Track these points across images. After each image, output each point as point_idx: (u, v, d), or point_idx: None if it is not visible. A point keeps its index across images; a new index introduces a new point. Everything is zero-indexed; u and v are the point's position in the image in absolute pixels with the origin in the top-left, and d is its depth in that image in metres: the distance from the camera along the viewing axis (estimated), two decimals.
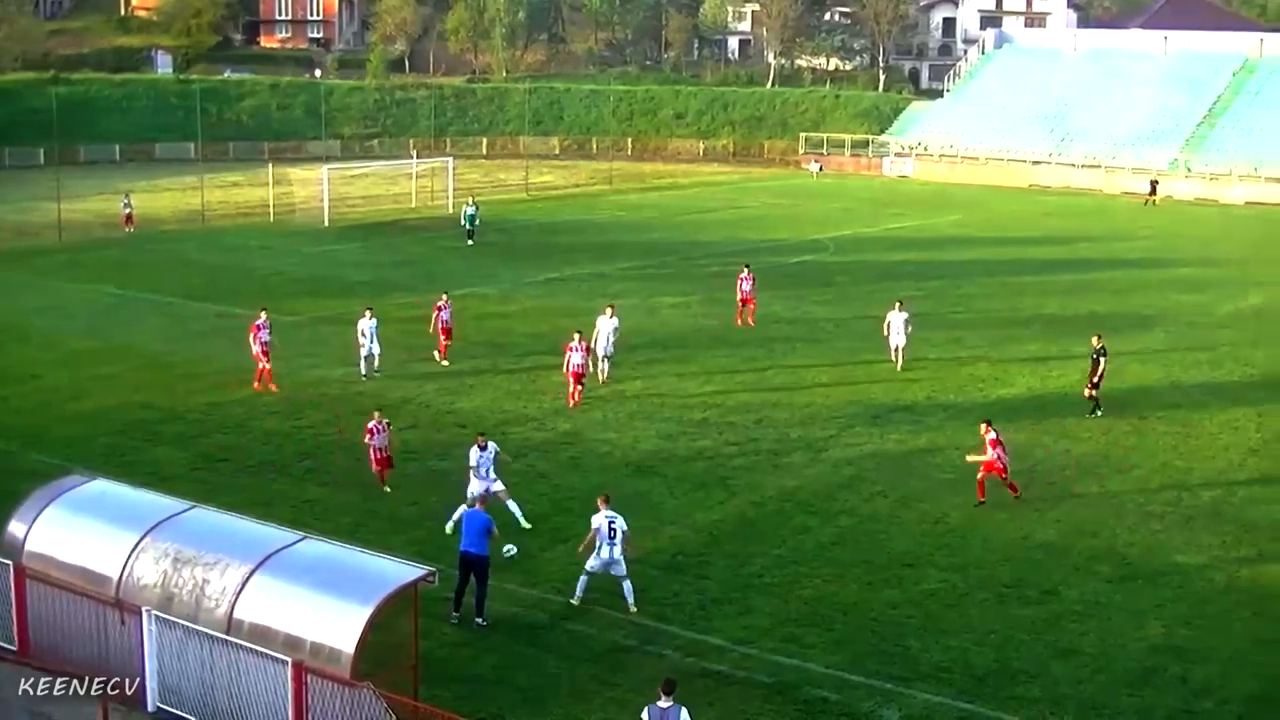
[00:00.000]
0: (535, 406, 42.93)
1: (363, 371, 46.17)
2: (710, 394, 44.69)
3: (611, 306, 47.48)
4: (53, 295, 61.39)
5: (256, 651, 21.88)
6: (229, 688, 22.28)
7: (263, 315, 44.69)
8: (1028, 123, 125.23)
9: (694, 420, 41.63)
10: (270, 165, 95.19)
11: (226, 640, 22.33)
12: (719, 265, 68.17)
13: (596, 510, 28.24)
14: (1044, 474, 36.85)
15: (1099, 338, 43.35)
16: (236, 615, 22.75)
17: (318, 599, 22.67)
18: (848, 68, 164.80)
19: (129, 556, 24.22)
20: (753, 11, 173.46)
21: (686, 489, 35.47)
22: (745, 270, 55.81)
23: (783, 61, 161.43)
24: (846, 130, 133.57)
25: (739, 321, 55.12)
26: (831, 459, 38.12)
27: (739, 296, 55.20)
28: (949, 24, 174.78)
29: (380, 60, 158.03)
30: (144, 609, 23.06)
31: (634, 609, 27.75)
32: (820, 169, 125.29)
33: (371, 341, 46.05)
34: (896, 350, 47.79)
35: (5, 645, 24.78)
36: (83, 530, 25.41)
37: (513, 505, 32.41)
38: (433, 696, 22.77)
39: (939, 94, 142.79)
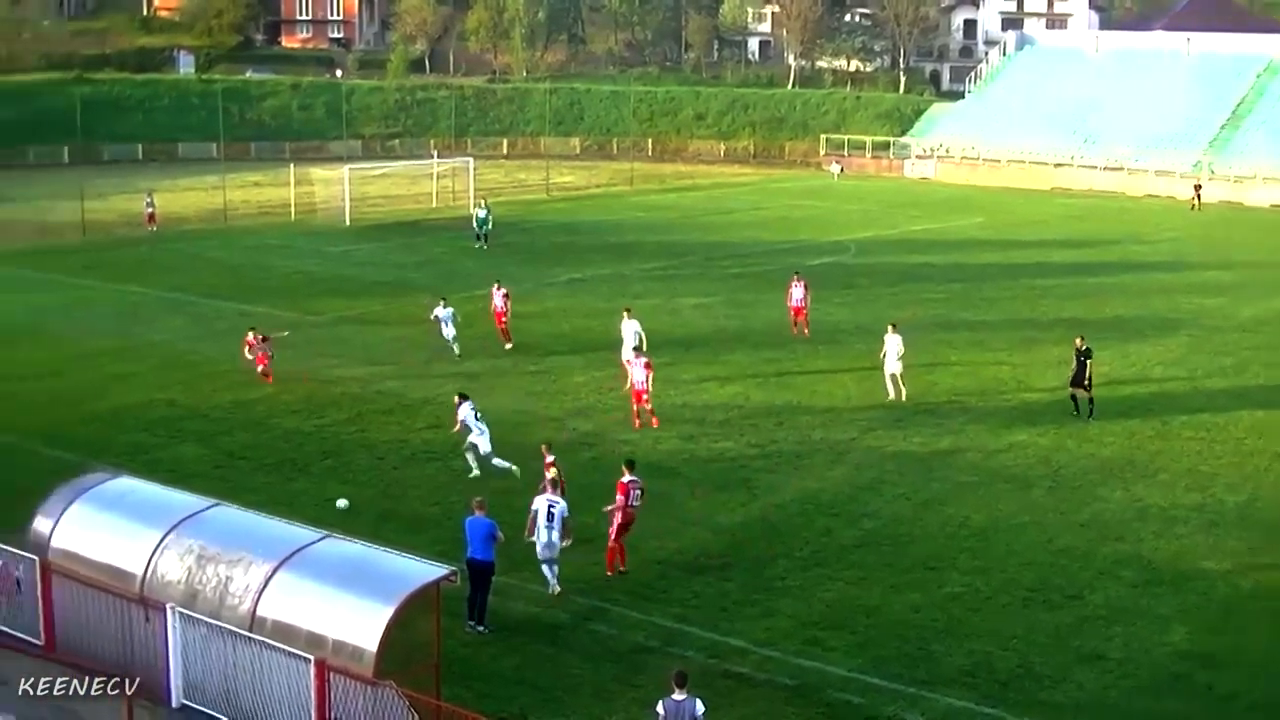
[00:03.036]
0: (556, 407, 42.93)
1: (457, 352, 48.14)
2: (732, 395, 44.64)
3: (628, 309, 47.42)
4: (75, 294, 61.53)
5: (279, 649, 21.89)
6: (252, 685, 22.32)
7: (250, 335, 45.33)
8: (1049, 125, 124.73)
9: (716, 421, 41.57)
10: (291, 165, 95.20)
11: (250, 637, 22.35)
12: (740, 267, 68.21)
13: (540, 491, 28.60)
14: (1068, 478, 36.73)
15: (1082, 339, 43.08)
16: (259, 613, 22.77)
17: (340, 597, 22.68)
18: (868, 69, 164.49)
19: (153, 553, 24.26)
20: (773, 13, 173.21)
21: (708, 490, 35.41)
22: (796, 277, 54.53)
23: (803, 63, 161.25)
24: (867, 132, 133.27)
25: (795, 331, 53.57)
26: (854, 461, 38.04)
27: (790, 305, 54.01)
28: (970, 26, 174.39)
29: (401, 60, 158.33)
30: (168, 605, 23.10)
31: (554, 591, 28.32)
32: (841, 170, 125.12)
33: (448, 326, 48.46)
34: (894, 379, 44.19)
35: (32, 640, 24.83)
36: (107, 527, 25.47)
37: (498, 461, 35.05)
38: (454, 695, 22.76)
39: (960, 96, 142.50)
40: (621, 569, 29.66)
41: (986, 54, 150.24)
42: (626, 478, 29.80)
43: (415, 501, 34.12)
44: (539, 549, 28.14)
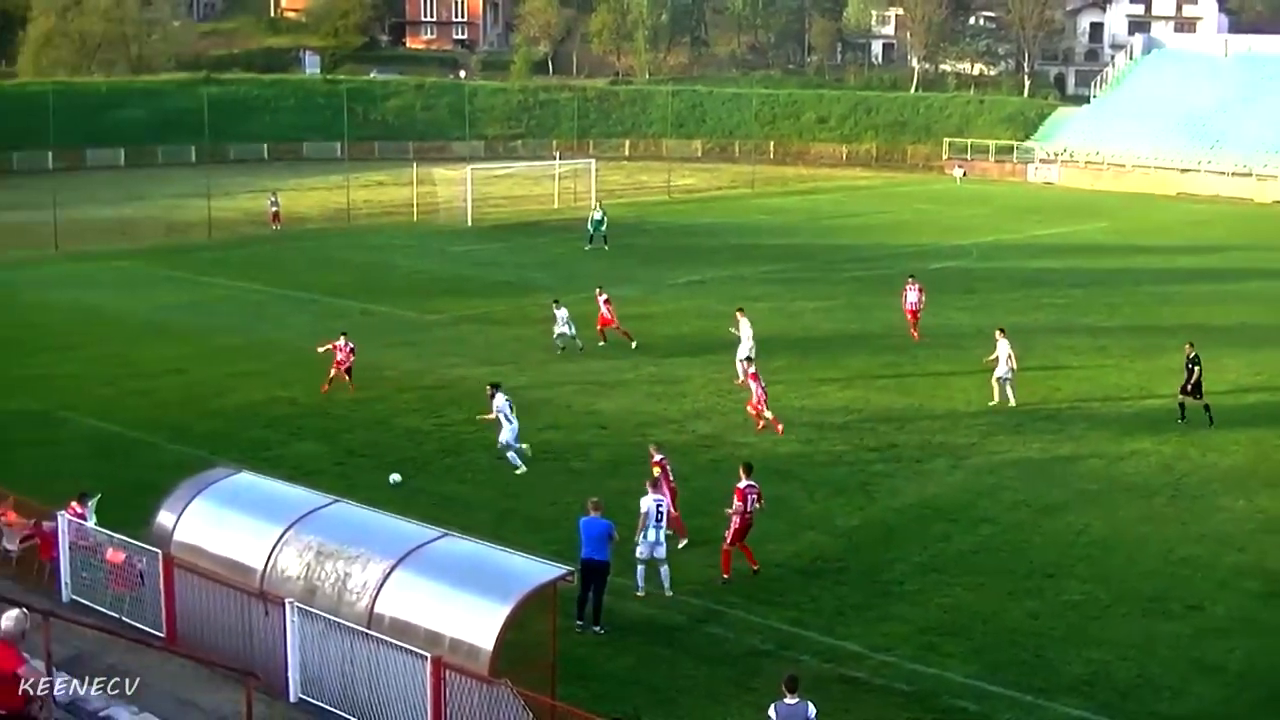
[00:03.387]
0: (675, 409, 42.93)
1: (561, 345, 49.49)
2: (851, 399, 44.44)
3: (741, 309, 47.51)
4: (200, 291, 62.44)
5: (396, 646, 22.03)
6: (368, 681, 22.47)
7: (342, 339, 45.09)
8: (1176, 129, 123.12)
9: (834, 425, 41.41)
10: (414, 165, 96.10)
11: (367, 634, 22.52)
12: (861, 270, 67.92)
13: (645, 494, 28.79)
14: (1190, 487, 36.18)
15: (1191, 345, 42.54)
16: (377, 609, 22.91)
17: (457, 596, 22.78)
18: (992, 73, 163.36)
19: (273, 549, 24.49)
20: (896, 15, 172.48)
21: (826, 494, 35.27)
22: (911, 280, 54.50)
23: (926, 66, 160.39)
24: (990, 136, 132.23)
25: (915, 335, 53.32)
26: (973, 466, 37.72)
27: (905, 309, 53.87)
28: (1096, 29, 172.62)
29: (524, 62, 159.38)
30: (287, 601, 23.32)
31: (669, 593, 28.31)
32: (964, 174, 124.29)
33: (565, 325, 49.41)
34: (999, 384, 43.68)
35: (154, 632, 25.18)
36: (229, 522, 25.75)
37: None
38: (569, 695, 22.79)
39: (1085, 100, 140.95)
40: (754, 567, 29.58)
41: (1113, 57, 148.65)
42: (744, 482, 29.72)
43: (533, 501, 34.24)
44: (640, 549, 28.23)
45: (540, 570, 23.46)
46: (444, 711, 21.40)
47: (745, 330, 46.17)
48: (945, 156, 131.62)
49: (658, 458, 31.72)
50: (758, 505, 29.64)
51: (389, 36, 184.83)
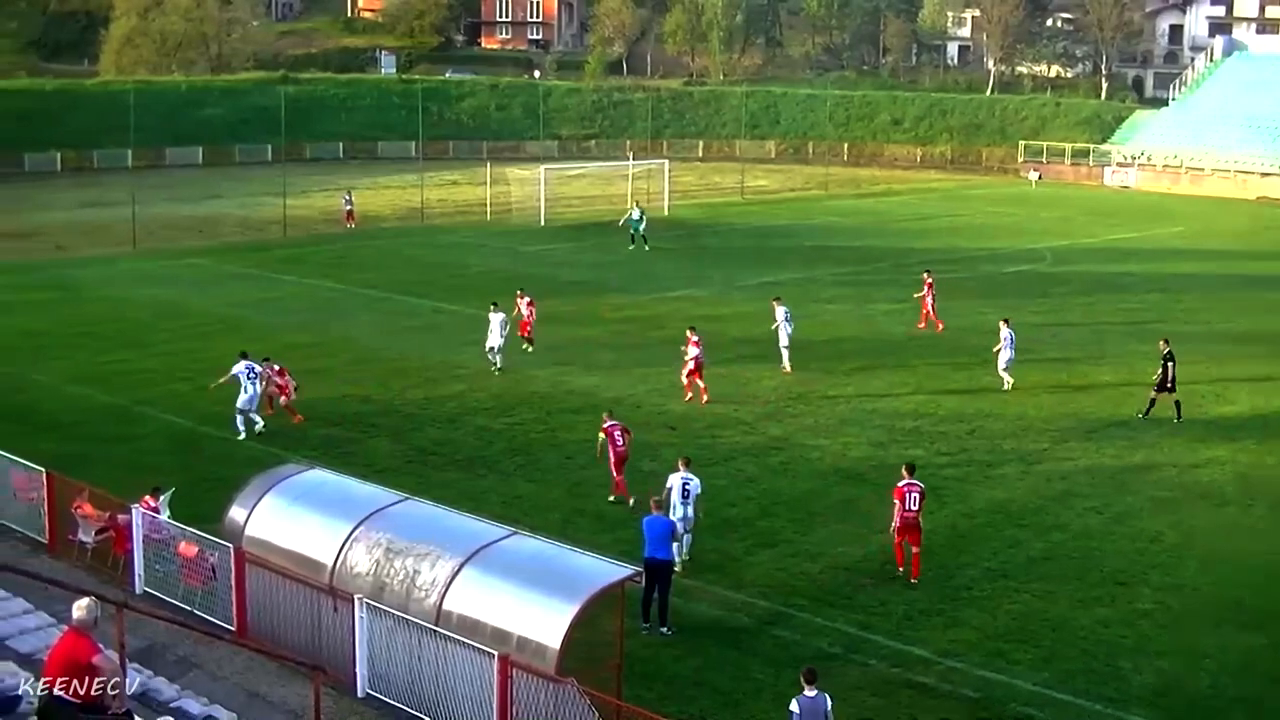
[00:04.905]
0: (746, 410, 42.84)
1: (498, 365, 47.36)
2: (922, 402, 44.25)
3: (777, 299, 49.32)
4: (274, 289, 62.90)
5: (464, 643, 22.11)
6: (436, 677, 22.57)
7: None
8: (1257, 133, 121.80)
9: (905, 429, 41.24)
10: (488, 164, 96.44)
11: (435, 631, 22.61)
12: (935, 273, 67.49)
13: (675, 470, 29.95)
14: (1265, 496, 35.80)
15: (1166, 341, 43.24)
16: (445, 607, 23.01)
17: (525, 594, 22.84)
18: (1069, 75, 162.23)
19: (343, 545, 24.66)
20: (973, 17, 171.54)
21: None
22: (926, 274, 56.42)
23: (1003, 68, 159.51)
24: (1067, 139, 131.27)
25: (923, 325, 55.48)
26: (1044, 472, 37.45)
27: (925, 302, 55.76)
28: (1176, 31, 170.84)
29: (598, 62, 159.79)
30: (356, 597, 23.46)
31: (679, 565, 28.64)
32: (1039, 177, 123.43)
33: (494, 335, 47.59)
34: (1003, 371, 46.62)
35: (225, 626, 25.39)
36: (300, 518, 25.95)
37: None
38: (635, 696, 22.84)
39: (1164, 103, 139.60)
40: (913, 579, 29.71)
41: (1193, 60, 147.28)
42: (904, 481, 30.10)
43: (601, 501, 34.25)
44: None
45: (608, 570, 23.51)
46: (510, 709, 21.47)
47: (780, 314, 47.87)
48: (1020, 159, 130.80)
49: (608, 424, 34.12)
50: (918, 505, 29.87)
51: (464, 37, 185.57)
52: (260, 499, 26.45)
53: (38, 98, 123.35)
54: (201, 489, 31.35)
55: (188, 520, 27.23)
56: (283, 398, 41.10)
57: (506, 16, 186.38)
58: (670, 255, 74.35)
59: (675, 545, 28.25)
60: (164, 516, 27.79)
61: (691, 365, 43.57)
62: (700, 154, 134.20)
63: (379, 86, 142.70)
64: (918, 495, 29.82)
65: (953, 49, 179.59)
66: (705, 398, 43.52)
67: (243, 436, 38.79)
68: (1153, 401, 42.62)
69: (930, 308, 55.50)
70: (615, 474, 34.11)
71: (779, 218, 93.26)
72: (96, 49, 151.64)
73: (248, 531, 26.03)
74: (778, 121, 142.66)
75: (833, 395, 44.73)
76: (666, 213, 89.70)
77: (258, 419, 39.39)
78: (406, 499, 26.41)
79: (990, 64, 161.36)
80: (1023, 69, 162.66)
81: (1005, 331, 46.07)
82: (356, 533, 24.76)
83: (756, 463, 37.53)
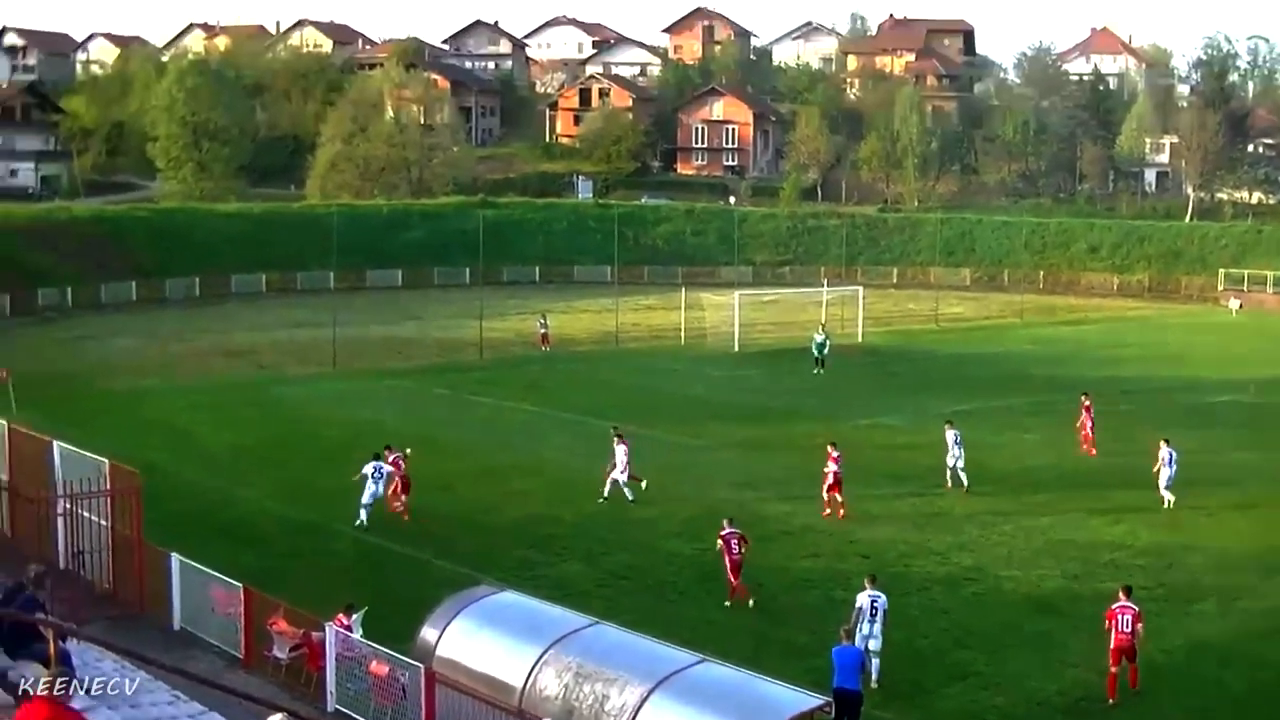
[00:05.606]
0: (938, 540, 42.32)
1: (363, 519, 44.52)
2: (1120, 534, 43.34)
3: (949, 421, 49.68)
4: (471, 410, 63.73)
5: None
6: None
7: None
8: None
9: (1101, 561, 40.40)
10: (683, 289, 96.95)
11: None
12: (1129, 403, 66.33)
13: (862, 589, 30.63)
14: None
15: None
16: None
17: None
18: (1272, 201, 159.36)
19: (533, 668, 24.74)
20: (1171, 143, 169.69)
21: (1091, 631, 34.20)
22: (1084, 397, 56.53)
23: (1202, 194, 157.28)
24: (1269, 266, 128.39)
25: (1085, 449, 55.18)
26: (1246, 609, 36.43)
27: (1085, 426, 55.55)
28: None
29: (793, 188, 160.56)
30: None
31: (875, 684, 29.01)
32: (1240, 306, 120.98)
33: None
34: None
35: None
36: (490, 639, 26.12)
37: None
38: None
39: None
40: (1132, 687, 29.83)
41: None
42: (1118, 603, 30.25)
43: (792, 629, 34.03)
44: (856, 641, 28.67)
45: (797, 699, 23.32)
46: None
47: (950, 438, 48.54)
48: (1221, 287, 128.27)
49: (726, 531, 36.08)
50: (1130, 627, 29.71)
51: (660, 162, 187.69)
52: (452, 620, 26.68)
53: (246, 221, 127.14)
54: (393, 608, 31.68)
55: (379, 639, 27.54)
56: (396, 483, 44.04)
57: (702, 143, 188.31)
58: (863, 382, 74.05)
59: (874, 665, 28.47)
60: (357, 635, 28.14)
61: (831, 480, 44.15)
62: (894, 280, 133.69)
63: (575, 211, 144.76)
64: (1131, 618, 29.58)
65: (1150, 175, 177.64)
66: (843, 513, 43.88)
67: (361, 524, 42.36)
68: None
69: (1089, 430, 55.43)
70: (732, 579, 35.67)
71: (973, 345, 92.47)
72: (303, 174, 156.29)
73: (439, 652, 26.25)
74: (973, 248, 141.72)
75: (1027, 525, 44.04)
76: (860, 339, 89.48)
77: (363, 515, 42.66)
78: (596, 623, 26.46)
79: (1189, 190, 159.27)
80: (1223, 195, 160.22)
81: (1165, 450, 46.68)
82: (546, 656, 24.84)
83: (949, 593, 37.05)
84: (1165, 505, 45.72)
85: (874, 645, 29.55)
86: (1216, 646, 33.54)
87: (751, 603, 35.00)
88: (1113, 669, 29.56)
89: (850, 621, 29.29)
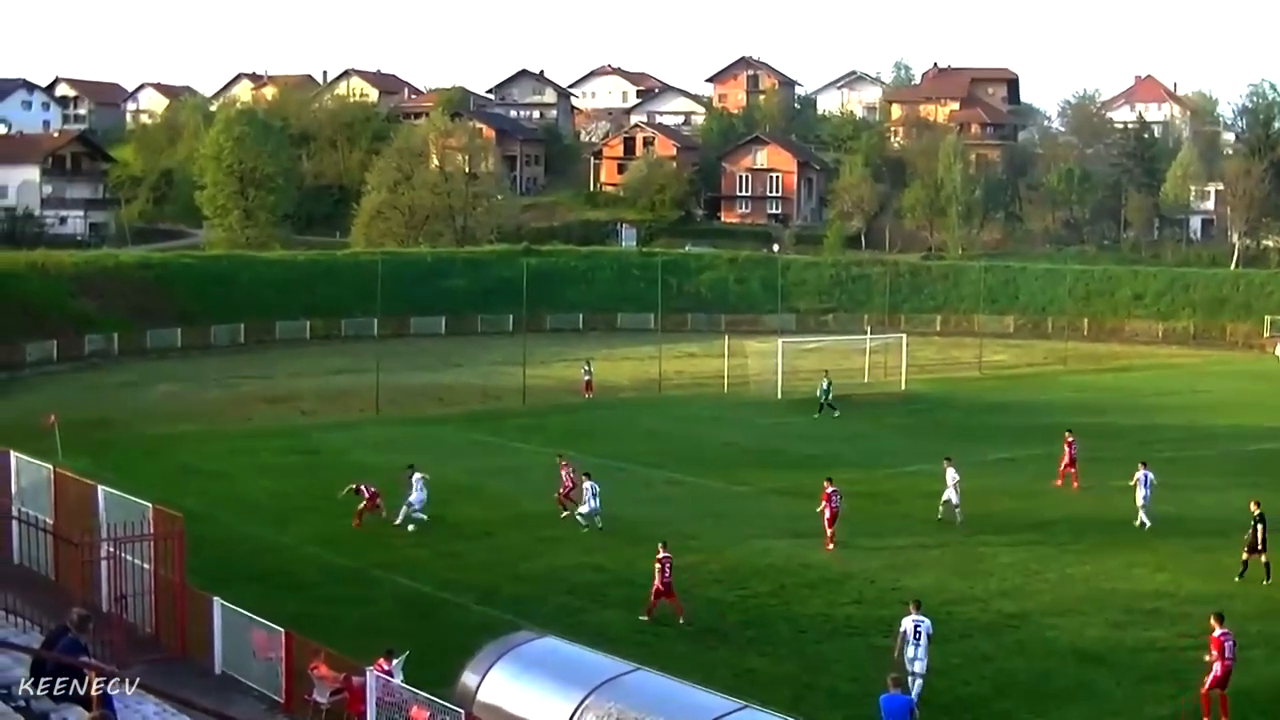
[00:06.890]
0: (980, 587, 42.17)
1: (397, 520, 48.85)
2: (1164, 582, 43.07)
3: (948, 459, 51.07)
4: (513, 457, 63.83)
5: None
6: None
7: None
8: None
9: (1145, 609, 40.14)
10: (726, 337, 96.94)
11: None
12: (1174, 450, 65.95)
13: (906, 613, 31.70)
14: None
15: (1257, 504, 43.55)
16: None
17: None
18: None
19: (574, 714, 24.71)
20: (1216, 191, 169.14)
21: (1134, 680, 34.16)
22: (1068, 434, 58.87)
23: (1248, 241, 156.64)
24: None
25: (1060, 483, 57.27)
26: None
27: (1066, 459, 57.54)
28: None
29: (837, 236, 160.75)
30: None
31: (914, 698, 29.45)
32: None
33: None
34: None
35: None
36: (531, 686, 26.11)
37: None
38: None
39: None
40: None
41: None
42: (1218, 631, 30.87)
43: (834, 677, 33.92)
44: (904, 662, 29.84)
45: None
46: None
47: (951, 478, 50.19)
48: (1267, 334, 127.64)
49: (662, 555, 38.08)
50: (1232, 654, 30.75)
51: (704, 211, 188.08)
52: (492, 665, 26.69)
53: (291, 268, 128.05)
54: (434, 653, 31.71)
55: (420, 684, 27.53)
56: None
57: (746, 191, 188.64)
58: (906, 430, 73.86)
59: (917, 685, 28.98)
60: (397, 680, 28.17)
61: (829, 514, 46.07)
62: (938, 328, 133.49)
63: (619, 259, 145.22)
64: (1232, 644, 30.61)
65: (1196, 222, 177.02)
66: (831, 546, 45.81)
67: (399, 523, 47.63)
68: (1245, 563, 43.29)
69: (1068, 465, 57.63)
70: (654, 599, 38.04)
71: (1017, 393, 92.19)
72: (348, 222, 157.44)
73: (479, 697, 26.26)
74: (1016, 296, 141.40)
75: (1070, 573, 43.82)
76: (904, 386, 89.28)
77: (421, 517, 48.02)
78: (637, 669, 26.44)
79: (1234, 237, 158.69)
80: (1268, 242, 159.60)
81: (1141, 473, 49.93)
82: (588, 701, 24.82)
83: (991, 640, 36.87)
84: (1135, 523, 48.94)
85: (919, 667, 30.60)
86: (1261, 696, 33.23)
87: (682, 620, 37.58)
88: (1205, 692, 30.78)
89: (895, 648, 30.55)
